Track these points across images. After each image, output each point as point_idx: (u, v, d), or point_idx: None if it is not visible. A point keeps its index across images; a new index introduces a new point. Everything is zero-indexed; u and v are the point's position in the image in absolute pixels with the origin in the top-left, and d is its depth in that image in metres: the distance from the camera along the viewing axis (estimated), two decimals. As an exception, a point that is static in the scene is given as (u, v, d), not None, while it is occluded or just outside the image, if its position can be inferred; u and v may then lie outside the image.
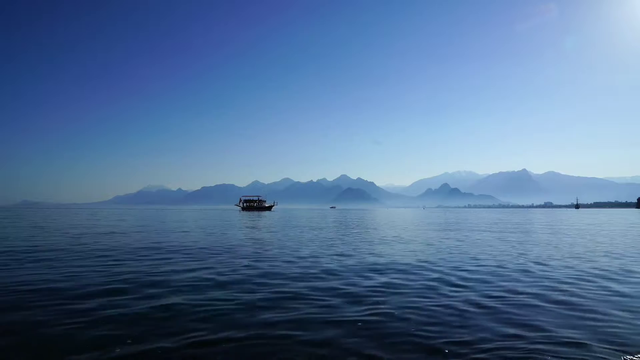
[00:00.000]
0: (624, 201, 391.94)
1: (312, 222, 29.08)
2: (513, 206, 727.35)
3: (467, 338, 3.48)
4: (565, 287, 5.68)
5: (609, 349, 3.27)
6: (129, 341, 3.33)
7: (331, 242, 12.41)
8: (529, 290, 5.45)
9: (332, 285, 5.66)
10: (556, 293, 5.27)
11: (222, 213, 58.41)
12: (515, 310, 4.38)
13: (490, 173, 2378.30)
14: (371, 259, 8.46)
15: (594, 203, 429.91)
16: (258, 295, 5.00)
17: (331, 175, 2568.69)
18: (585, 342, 3.43)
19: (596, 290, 5.51)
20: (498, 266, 7.61)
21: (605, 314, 4.31)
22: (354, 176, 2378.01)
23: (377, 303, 4.67)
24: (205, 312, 4.22)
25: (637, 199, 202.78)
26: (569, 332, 3.66)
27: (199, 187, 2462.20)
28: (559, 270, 7.10)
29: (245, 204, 79.45)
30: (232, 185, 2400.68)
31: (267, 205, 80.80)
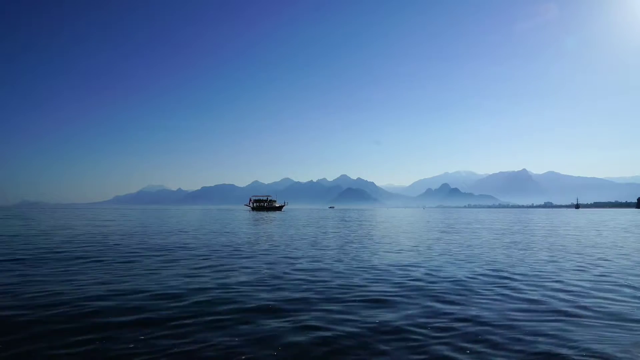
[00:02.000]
0: (624, 201, 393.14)
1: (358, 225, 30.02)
2: (513, 206, 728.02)
3: None
4: None
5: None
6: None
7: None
8: None
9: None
10: None
11: (237, 214, 55.56)
12: None
13: (490, 173, 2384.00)
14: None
15: (594, 203, 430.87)
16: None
17: (331, 175, 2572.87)
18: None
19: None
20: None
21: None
22: (354, 176, 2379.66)
23: None
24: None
25: (637, 199, 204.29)
26: None
27: (199, 187, 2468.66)
28: None
29: (255, 204, 77.12)
30: (232, 185, 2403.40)
31: (277, 205, 78.30)
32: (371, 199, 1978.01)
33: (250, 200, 78.31)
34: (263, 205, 76.92)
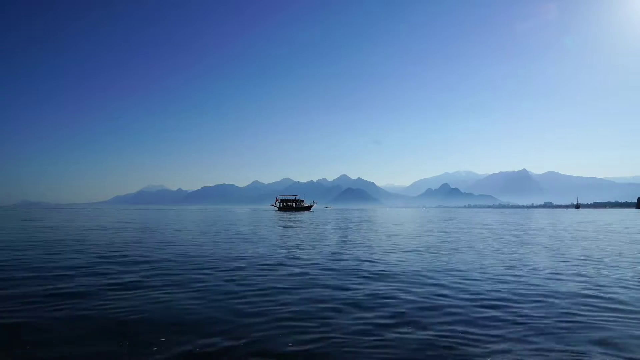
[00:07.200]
0: (624, 201, 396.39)
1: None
2: (513, 206, 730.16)
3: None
4: None
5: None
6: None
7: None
8: None
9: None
10: None
11: (263, 215, 49.68)
12: None
13: (490, 173, 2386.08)
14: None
15: (594, 203, 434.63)
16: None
17: (331, 175, 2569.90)
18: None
19: None
20: None
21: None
22: (354, 176, 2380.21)
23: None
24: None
25: (637, 199, 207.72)
26: None
27: (199, 187, 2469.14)
28: None
29: (282, 204, 73.51)
30: (232, 185, 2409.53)
31: (305, 205, 74.62)
32: (371, 199, 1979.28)
33: (276, 200, 75.28)
34: (291, 205, 73.64)
